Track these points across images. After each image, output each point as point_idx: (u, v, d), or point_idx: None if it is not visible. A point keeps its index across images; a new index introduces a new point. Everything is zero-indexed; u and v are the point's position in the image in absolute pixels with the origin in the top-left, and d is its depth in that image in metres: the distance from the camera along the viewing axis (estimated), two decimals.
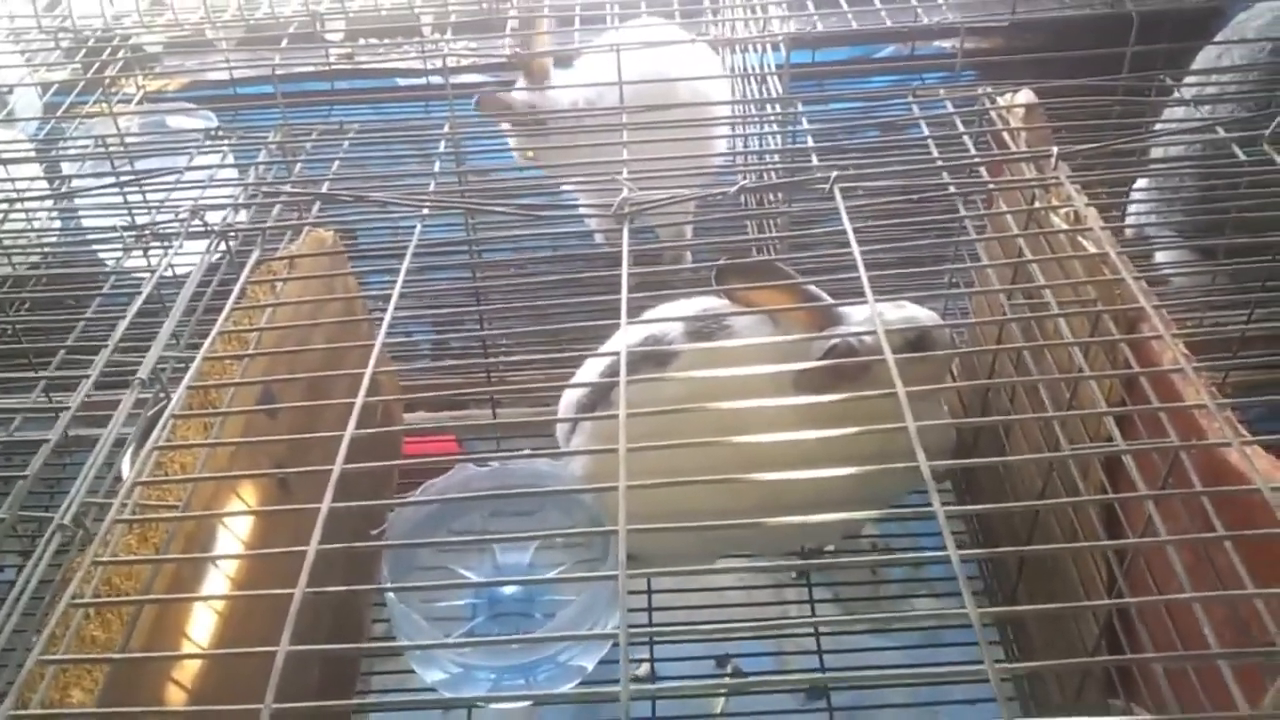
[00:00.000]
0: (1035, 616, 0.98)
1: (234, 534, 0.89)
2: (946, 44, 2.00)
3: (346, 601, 1.17)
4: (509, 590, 1.15)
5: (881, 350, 1.06)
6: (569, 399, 1.18)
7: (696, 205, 1.30)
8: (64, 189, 1.11)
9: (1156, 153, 1.28)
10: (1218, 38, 1.44)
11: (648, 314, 1.11)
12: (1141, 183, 1.41)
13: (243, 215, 1.02)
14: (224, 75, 1.96)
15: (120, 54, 1.68)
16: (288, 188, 1.00)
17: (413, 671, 1.12)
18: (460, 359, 1.34)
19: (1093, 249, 0.81)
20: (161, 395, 0.85)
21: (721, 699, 1.25)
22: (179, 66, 2.08)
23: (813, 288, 1.06)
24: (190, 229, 0.96)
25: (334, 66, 2.03)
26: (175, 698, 0.79)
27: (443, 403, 1.39)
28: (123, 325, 0.84)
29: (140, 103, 1.96)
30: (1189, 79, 1.32)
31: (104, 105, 1.56)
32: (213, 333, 0.85)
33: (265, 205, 1.01)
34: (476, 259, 1.25)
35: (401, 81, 2.23)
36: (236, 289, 0.90)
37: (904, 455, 1.00)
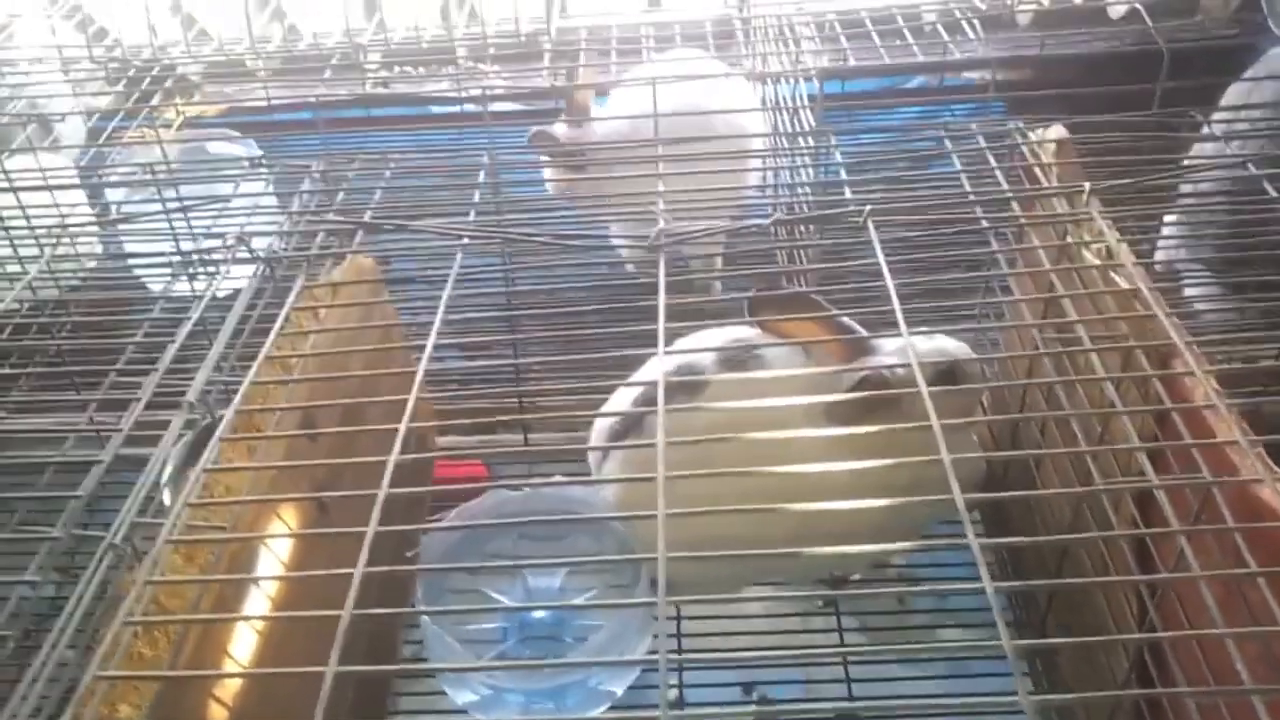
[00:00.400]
0: (1066, 649, 0.99)
1: (275, 555, 0.91)
2: (974, 75, 2.02)
3: (381, 623, 1.19)
4: (539, 615, 1.16)
5: (913, 382, 1.08)
6: (601, 427, 1.20)
7: (729, 236, 1.31)
8: (111, 215, 1.13)
9: (1186, 187, 1.29)
10: (1248, 73, 1.45)
11: (679, 343, 1.13)
12: (1170, 217, 1.41)
13: (286, 242, 1.04)
14: (262, 102, 2.00)
15: (165, 82, 1.73)
16: (331, 215, 1.02)
17: (443, 693, 1.14)
18: (492, 384, 1.36)
19: (1125, 284, 0.82)
20: (207, 418, 0.87)
21: None
22: (218, 93, 2.13)
23: (845, 319, 1.08)
24: (237, 255, 0.98)
25: (370, 93, 2.07)
26: (218, 715, 0.81)
27: (473, 428, 1.41)
28: (173, 349, 0.87)
29: (180, 128, 2.00)
30: (1218, 115, 1.33)
31: (145, 132, 1.60)
32: (259, 357, 0.87)
33: (309, 233, 1.03)
34: (512, 287, 1.27)
35: (436, 109, 2.27)
36: (282, 315, 0.92)
37: (935, 486, 1.01)
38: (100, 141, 1.72)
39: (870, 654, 1.20)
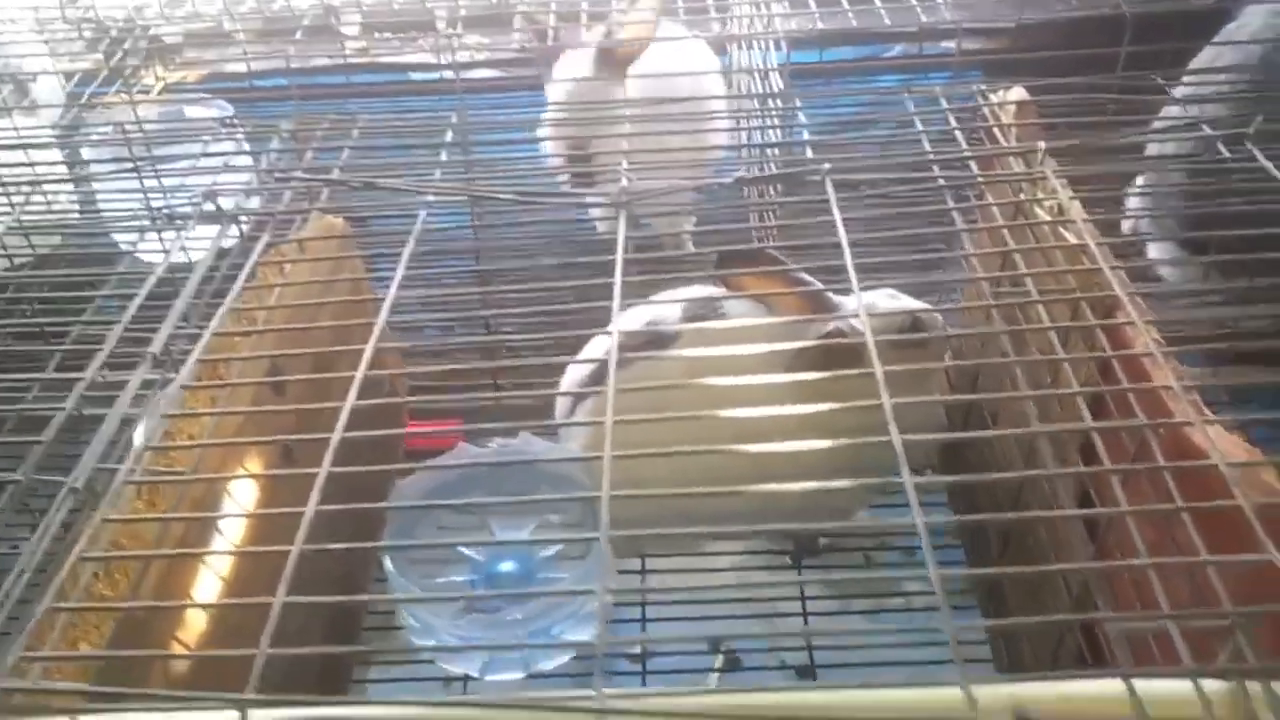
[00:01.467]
0: (1013, 591, 1.01)
1: (239, 502, 0.93)
2: (951, 44, 2.03)
3: (348, 575, 1.21)
4: (507, 568, 1.18)
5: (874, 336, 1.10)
6: (571, 379, 1.22)
7: (696, 198, 1.32)
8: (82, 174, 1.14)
9: (1152, 150, 1.31)
10: (1218, 36, 1.47)
11: (649, 299, 1.15)
12: (1139, 180, 1.43)
13: (255, 201, 1.05)
14: (241, 67, 2.00)
15: (140, 45, 1.73)
16: (299, 174, 1.03)
17: (416, 661, 1.16)
18: (464, 340, 1.37)
19: (1073, 240, 0.84)
20: (172, 373, 0.88)
21: (715, 677, 1.28)
22: (197, 58, 2.13)
23: (808, 276, 1.09)
24: (203, 213, 0.99)
25: (349, 60, 2.07)
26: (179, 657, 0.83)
27: (447, 388, 1.42)
28: (136, 303, 0.88)
29: (160, 93, 2.00)
30: (1185, 79, 1.35)
31: (124, 95, 1.60)
32: (221, 310, 0.88)
33: (276, 191, 1.04)
34: (480, 242, 1.28)
35: (416, 76, 2.27)
36: (245, 270, 0.94)
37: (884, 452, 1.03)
38: (79, 103, 1.73)
39: (830, 606, 1.22)
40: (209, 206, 0.99)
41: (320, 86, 2.13)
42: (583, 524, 1.19)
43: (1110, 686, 0.54)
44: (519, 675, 1.14)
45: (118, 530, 0.76)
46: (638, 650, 1.35)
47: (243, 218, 1.00)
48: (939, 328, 1.11)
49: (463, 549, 1.18)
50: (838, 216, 0.88)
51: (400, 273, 0.89)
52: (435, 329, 1.37)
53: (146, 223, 1.04)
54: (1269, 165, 0.91)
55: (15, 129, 1.45)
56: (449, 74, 2.11)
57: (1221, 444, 0.66)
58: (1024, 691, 0.52)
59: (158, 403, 0.83)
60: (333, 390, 1.01)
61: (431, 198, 0.97)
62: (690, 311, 1.13)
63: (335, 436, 0.73)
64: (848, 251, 0.84)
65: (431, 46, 2.13)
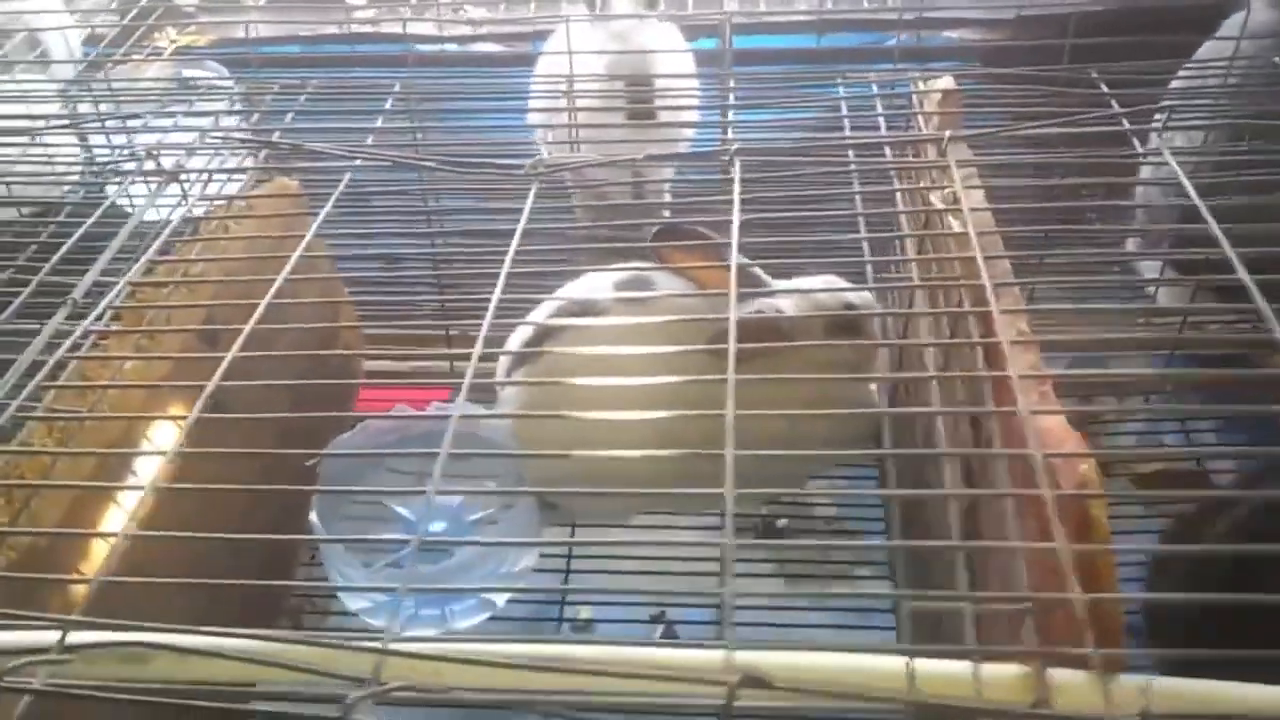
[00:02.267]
0: (907, 565, 1.02)
1: (155, 445, 0.97)
2: (955, 35, 2.03)
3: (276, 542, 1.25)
4: (438, 527, 1.22)
5: (805, 322, 1.12)
6: (513, 343, 1.24)
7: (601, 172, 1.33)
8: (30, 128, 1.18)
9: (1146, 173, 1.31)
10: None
11: (582, 277, 1.18)
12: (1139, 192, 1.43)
13: (199, 162, 1.09)
14: (252, 34, 2.05)
15: (155, 10, 1.79)
16: (235, 136, 1.07)
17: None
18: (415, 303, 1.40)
19: (958, 227, 0.85)
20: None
21: None
22: (210, 24, 2.18)
23: (742, 258, 1.11)
24: (145, 170, 1.03)
25: (354, 30, 2.12)
26: (81, 589, 0.87)
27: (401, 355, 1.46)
28: (62, 250, 0.92)
29: (171, 56, 2.05)
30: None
31: (134, 56, 1.66)
32: (142, 259, 0.92)
33: (219, 151, 1.08)
34: (431, 214, 1.31)
35: (422, 48, 2.30)
36: (170, 226, 0.97)
37: (817, 427, 1.05)
38: (89, 59, 1.78)
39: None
40: (149, 164, 1.03)
41: (328, 56, 2.18)
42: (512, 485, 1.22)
43: (890, 663, 0.57)
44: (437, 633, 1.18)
45: (21, 465, 0.80)
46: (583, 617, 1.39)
47: (183, 176, 1.04)
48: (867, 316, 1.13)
49: (395, 507, 1.22)
50: (737, 197, 0.90)
51: (313, 229, 0.92)
52: (388, 291, 1.40)
53: (88, 175, 1.08)
54: None
55: (16, 81, 1.51)
56: (452, 46, 2.16)
57: (1054, 435, 0.68)
58: (784, 661, 0.54)
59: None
60: (275, 344, 1.05)
61: (359, 161, 1.01)
62: (621, 284, 1.15)
63: (248, 327, 0.75)
64: (736, 230, 0.86)
65: (434, 18, 2.17)
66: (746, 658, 0.50)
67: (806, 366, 1.01)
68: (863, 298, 1.12)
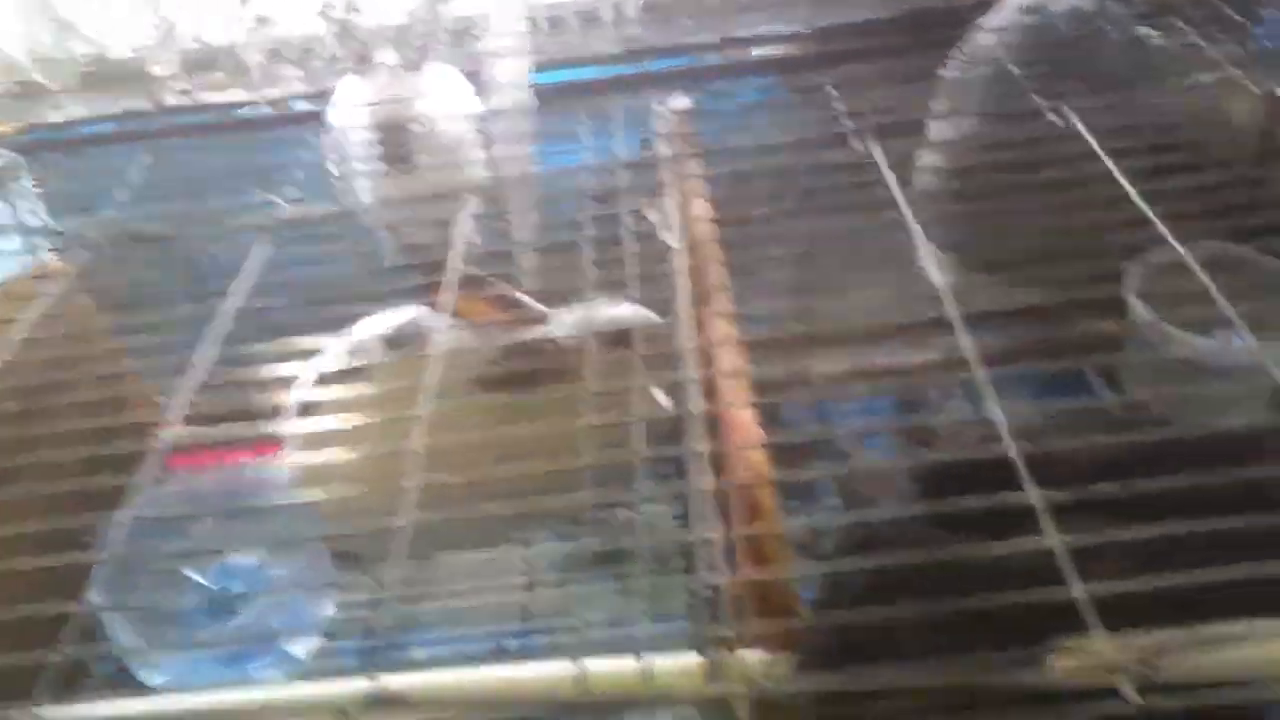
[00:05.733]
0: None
1: None
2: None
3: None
4: (235, 590, 1.19)
5: (584, 350, 1.14)
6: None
7: None
8: None
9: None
10: None
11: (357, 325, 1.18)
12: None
13: None
14: (59, 117, 2.00)
15: None
16: None
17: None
18: None
19: (672, 243, 0.89)
20: None
21: None
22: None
23: (520, 295, 1.13)
24: None
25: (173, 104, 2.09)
26: None
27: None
28: None
29: None
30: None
31: None
32: None
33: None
34: None
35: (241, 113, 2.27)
36: None
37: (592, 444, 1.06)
38: None
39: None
40: None
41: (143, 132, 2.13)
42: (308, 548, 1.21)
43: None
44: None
45: None
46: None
47: None
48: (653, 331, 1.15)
49: (191, 574, 1.19)
50: (467, 225, 0.92)
51: None
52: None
53: None
54: None
55: None
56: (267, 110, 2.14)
57: (744, 430, 0.71)
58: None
59: None
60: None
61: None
62: (394, 339, 1.15)
63: None
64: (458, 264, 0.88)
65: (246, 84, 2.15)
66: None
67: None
68: (638, 313, 1.15)
